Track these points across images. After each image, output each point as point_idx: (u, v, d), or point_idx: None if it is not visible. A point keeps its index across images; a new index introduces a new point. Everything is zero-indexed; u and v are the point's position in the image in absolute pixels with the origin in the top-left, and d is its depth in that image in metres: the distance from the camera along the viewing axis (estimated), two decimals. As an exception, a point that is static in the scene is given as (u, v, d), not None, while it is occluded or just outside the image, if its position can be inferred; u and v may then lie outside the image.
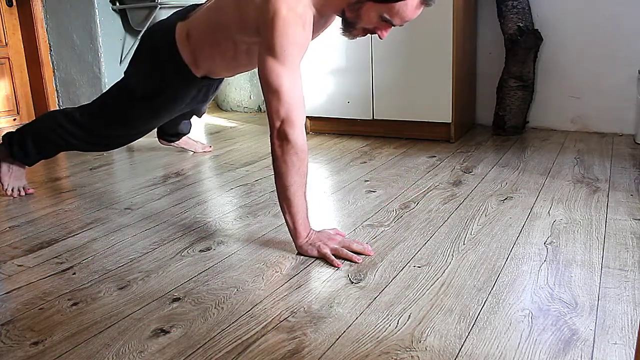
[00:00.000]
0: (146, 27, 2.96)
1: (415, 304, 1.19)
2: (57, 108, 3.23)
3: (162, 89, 1.76)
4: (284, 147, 1.39)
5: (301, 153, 1.40)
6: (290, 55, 1.39)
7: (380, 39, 1.50)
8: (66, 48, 3.10)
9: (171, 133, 2.60)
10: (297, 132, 1.39)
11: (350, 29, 1.48)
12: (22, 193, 2.11)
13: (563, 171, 2.16)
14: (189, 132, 2.65)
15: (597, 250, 1.43)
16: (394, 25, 1.45)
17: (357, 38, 1.54)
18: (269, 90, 1.39)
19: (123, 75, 1.86)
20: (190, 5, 1.78)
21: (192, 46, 1.67)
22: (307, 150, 1.43)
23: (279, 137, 1.39)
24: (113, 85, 1.90)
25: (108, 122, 1.88)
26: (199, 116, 2.42)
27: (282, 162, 1.40)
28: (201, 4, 1.76)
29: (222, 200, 1.98)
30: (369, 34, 1.51)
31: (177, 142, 2.69)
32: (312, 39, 1.50)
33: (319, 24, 1.51)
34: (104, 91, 2.03)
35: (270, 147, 1.44)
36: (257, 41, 1.45)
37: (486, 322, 1.11)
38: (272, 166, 1.45)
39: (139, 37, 1.85)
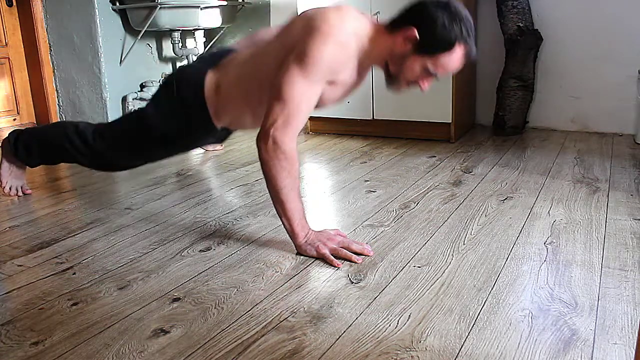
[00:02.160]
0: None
1: (415, 304, 1.19)
2: (58, 108, 3.23)
3: (181, 136, 1.72)
4: (271, 152, 1.38)
5: (291, 159, 1.39)
6: (317, 70, 1.38)
7: (422, 90, 1.50)
8: (66, 48, 3.10)
9: None
10: (288, 140, 1.38)
11: (394, 82, 1.50)
12: (20, 193, 2.10)
13: (563, 171, 2.16)
14: None
15: (597, 250, 1.43)
16: (436, 77, 1.46)
17: (400, 89, 1.54)
18: (278, 98, 1.38)
19: (143, 108, 1.78)
20: (224, 50, 1.74)
21: (220, 100, 1.62)
22: (297, 155, 1.41)
23: (267, 141, 1.38)
24: (131, 116, 1.84)
25: (119, 151, 1.83)
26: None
27: (272, 166, 1.39)
28: (232, 50, 1.73)
29: (222, 200, 1.98)
30: (412, 86, 1.52)
31: None
32: (342, 94, 1.54)
33: (355, 74, 1.51)
34: (121, 116, 1.92)
35: (258, 152, 1.41)
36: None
37: (486, 322, 1.11)
38: (262, 172, 1.43)
39: (166, 79, 1.75)
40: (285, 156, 1.38)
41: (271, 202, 1.44)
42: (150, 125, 1.70)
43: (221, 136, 1.79)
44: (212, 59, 1.71)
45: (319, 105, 1.52)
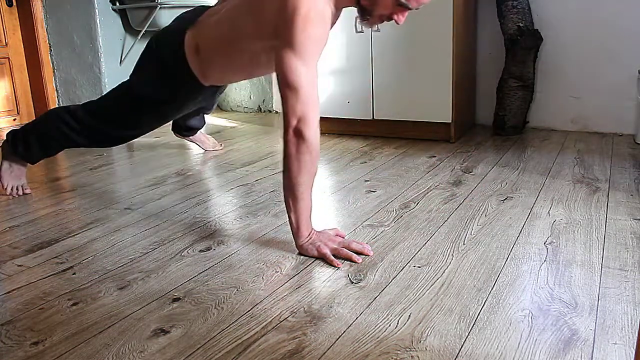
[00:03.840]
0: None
1: (415, 304, 1.19)
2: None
3: (169, 98, 1.76)
4: (298, 146, 1.38)
5: (314, 152, 1.40)
6: (311, 52, 1.39)
7: (398, 24, 1.50)
8: (66, 48, 3.10)
9: (185, 127, 2.59)
10: (313, 131, 1.39)
11: (367, 17, 1.49)
12: (20, 192, 2.10)
13: (563, 171, 2.16)
14: (202, 126, 2.65)
15: (597, 250, 1.43)
16: (409, 9, 1.45)
17: (375, 25, 1.55)
18: (288, 87, 1.39)
19: (128, 79, 1.84)
20: (199, 6, 1.76)
21: (202, 60, 1.65)
22: (319, 151, 1.43)
23: (295, 135, 1.38)
24: (118, 88, 1.87)
25: (112, 123, 1.87)
26: (208, 112, 2.42)
27: (295, 160, 1.39)
28: (209, 6, 1.74)
29: (222, 200, 1.98)
30: (386, 21, 1.51)
31: (191, 137, 2.69)
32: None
33: (333, 18, 1.51)
34: (107, 90, 2.00)
35: (283, 145, 1.42)
36: (275, 44, 1.44)
37: (486, 322, 1.11)
38: (282, 163, 1.43)
39: (147, 44, 1.82)
40: (310, 150, 1.39)
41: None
42: (138, 93, 1.74)
43: (212, 93, 1.83)
44: (191, 16, 1.73)
45: None
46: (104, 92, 3.09)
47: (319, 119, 1.42)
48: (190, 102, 1.82)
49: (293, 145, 1.39)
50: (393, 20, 1.50)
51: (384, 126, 2.89)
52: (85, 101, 1.97)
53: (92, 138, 1.92)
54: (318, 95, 1.43)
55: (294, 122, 1.38)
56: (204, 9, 1.74)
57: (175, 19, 1.84)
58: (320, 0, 1.40)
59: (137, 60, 1.83)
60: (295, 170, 1.40)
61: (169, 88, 1.73)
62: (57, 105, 3.24)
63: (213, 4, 1.76)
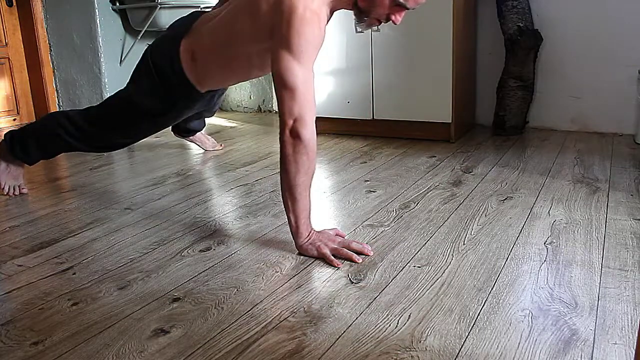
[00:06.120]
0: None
1: (415, 304, 1.19)
2: (58, 108, 3.24)
3: (167, 109, 1.77)
4: (295, 147, 1.38)
5: (311, 153, 1.40)
6: (307, 53, 1.39)
7: (395, 24, 1.51)
8: (66, 48, 3.10)
9: (185, 129, 2.60)
10: (310, 131, 1.39)
11: (364, 18, 1.51)
12: (17, 192, 2.11)
13: (563, 171, 2.16)
14: (202, 128, 2.66)
15: (597, 250, 1.43)
16: (407, 9, 1.47)
17: (372, 27, 1.56)
18: (284, 88, 1.39)
19: (126, 87, 1.83)
20: (194, 12, 1.76)
21: (198, 67, 1.66)
22: (316, 151, 1.43)
23: (291, 136, 1.38)
24: (116, 96, 1.86)
25: (110, 130, 1.87)
26: (210, 115, 2.43)
27: (292, 161, 1.39)
28: (202, 12, 1.75)
29: (222, 200, 1.98)
30: (383, 22, 1.53)
31: (190, 137, 2.70)
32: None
33: (327, 19, 1.52)
34: (106, 97, 1.99)
35: (279, 146, 1.42)
36: (271, 46, 1.44)
37: (486, 322, 1.11)
38: (279, 164, 1.44)
39: (143, 54, 1.80)
40: (307, 150, 1.39)
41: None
42: (136, 103, 1.75)
43: (210, 98, 1.84)
44: (185, 23, 1.72)
45: None
46: (104, 92, 3.10)
47: (315, 119, 1.42)
48: (188, 109, 1.84)
49: (290, 146, 1.39)
50: (390, 21, 1.51)
51: (384, 126, 2.89)
52: (84, 107, 1.98)
53: (90, 144, 1.93)
54: (314, 96, 1.43)
55: (290, 123, 1.38)
56: (197, 15, 1.74)
57: (170, 27, 1.84)
58: (317, 0, 1.41)
59: (134, 68, 1.82)
60: (292, 172, 1.40)
61: (167, 99, 1.74)
62: (56, 106, 3.24)
63: (209, 8, 1.77)
